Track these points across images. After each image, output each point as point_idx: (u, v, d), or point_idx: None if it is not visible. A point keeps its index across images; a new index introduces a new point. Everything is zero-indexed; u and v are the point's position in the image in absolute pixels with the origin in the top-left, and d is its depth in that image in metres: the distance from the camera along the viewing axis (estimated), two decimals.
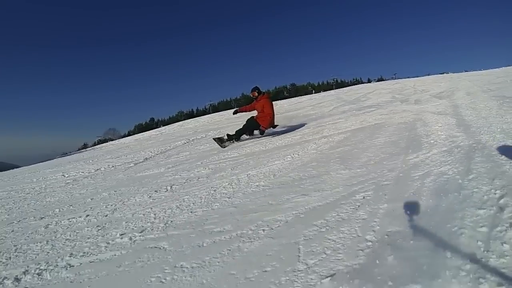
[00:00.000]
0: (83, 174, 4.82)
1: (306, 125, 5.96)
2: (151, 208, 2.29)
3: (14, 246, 2.05)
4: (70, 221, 2.35)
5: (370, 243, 1.20)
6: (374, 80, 43.56)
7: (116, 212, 2.39)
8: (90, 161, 6.92)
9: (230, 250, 1.36)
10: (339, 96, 15.58)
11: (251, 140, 5.01)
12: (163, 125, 28.66)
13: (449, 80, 17.93)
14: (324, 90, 31.51)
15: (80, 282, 1.46)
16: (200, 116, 27.01)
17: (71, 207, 2.76)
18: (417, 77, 34.16)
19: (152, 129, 26.39)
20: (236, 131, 5.27)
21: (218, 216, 1.82)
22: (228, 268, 1.22)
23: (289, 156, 3.10)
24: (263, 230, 1.49)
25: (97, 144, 29.70)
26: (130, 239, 1.80)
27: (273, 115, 5.41)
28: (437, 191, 1.61)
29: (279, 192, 2.02)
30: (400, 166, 2.16)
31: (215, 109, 41.22)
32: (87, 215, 2.41)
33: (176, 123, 22.87)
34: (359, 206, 1.56)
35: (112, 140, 27.73)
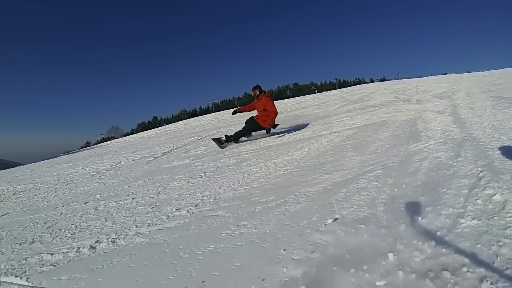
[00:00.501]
0: (104, 167, 5.15)
1: (314, 123, 6.44)
2: (195, 190, 2.68)
3: (72, 224, 2.28)
4: (118, 204, 2.62)
5: (383, 200, 1.70)
6: (377, 80, 44.05)
7: (161, 194, 2.71)
8: (106, 156, 7.38)
9: (280, 211, 1.83)
10: (343, 96, 16.06)
11: (266, 135, 5.38)
12: (166, 124, 29.10)
13: (451, 80, 18.46)
14: (327, 90, 32.08)
15: (158, 243, 1.71)
16: (203, 115, 27.42)
17: (111, 193, 3.06)
18: (420, 77, 34.73)
19: (155, 127, 26.75)
20: (236, 133, 5.35)
21: (260, 191, 2.29)
22: (283, 221, 1.70)
23: (306, 148, 3.60)
24: (302, 197, 1.97)
25: (100, 142, 30.11)
26: (188, 211, 2.13)
27: (277, 113, 5.48)
28: (432, 169, 2.11)
29: (305, 173, 2.52)
30: (402, 153, 2.67)
31: (218, 108, 41.83)
32: (133, 198, 2.71)
33: (179, 122, 23.33)
34: (372, 179, 2.06)
35: (115, 138, 28.05)
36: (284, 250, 1.36)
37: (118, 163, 5.43)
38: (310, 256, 1.28)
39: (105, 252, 1.72)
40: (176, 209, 2.21)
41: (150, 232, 1.90)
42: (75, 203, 2.93)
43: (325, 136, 4.31)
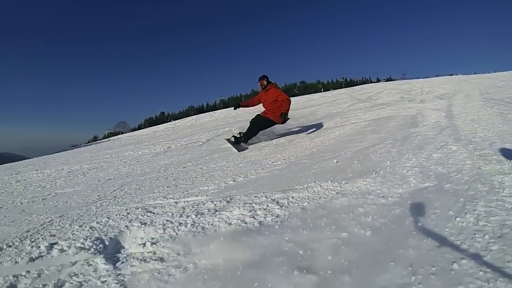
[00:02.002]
0: (156, 151, 6.18)
1: (333, 117, 7.95)
2: (274, 154, 4.00)
3: (194, 176, 3.26)
4: (217, 165, 3.78)
5: (394, 153, 3.21)
6: (383, 79, 45.62)
7: (248, 159, 3.96)
8: (146, 143, 8.84)
9: (338, 158, 3.31)
10: (352, 95, 17.60)
11: (297, 125, 6.84)
12: (174, 120, 30.54)
13: (455, 82, 19.95)
14: (334, 88, 33.70)
15: (275, 175, 2.92)
16: (210, 111, 28.82)
17: (198, 162, 4.32)
18: (426, 78, 36.33)
19: (163, 123, 28.02)
20: (244, 135, 5.22)
21: (321, 152, 3.79)
22: (341, 162, 3.21)
23: (336, 132, 5.13)
24: (349, 152, 3.46)
25: (108, 137, 31.45)
26: (281, 162, 3.44)
27: (290, 100, 5.34)
28: (422, 140, 3.63)
29: (345, 143, 4.04)
30: (405, 133, 4.18)
31: (226, 104, 43.46)
32: (227, 162, 3.93)
33: (188, 117, 24.78)
34: (386, 144, 3.58)
35: (123, 133, 29.42)
36: (349, 170, 2.86)
37: (168, 147, 6.74)
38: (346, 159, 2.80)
39: (247, 181, 2.86)
40: (272, 163, 3.53)
41: (266, 172, 3.12)
42: (162, 170, 3.94)
43: (347, 125, 5.83)
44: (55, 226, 2.13)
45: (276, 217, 1.83)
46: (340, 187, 2.19)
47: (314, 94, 28.20)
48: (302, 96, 26.89)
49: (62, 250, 1.70)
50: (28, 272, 1.53)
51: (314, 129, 5.97)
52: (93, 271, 1.48)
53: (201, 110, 43.62)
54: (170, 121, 27.46)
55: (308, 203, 1.97)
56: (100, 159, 6.24)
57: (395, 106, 8.63)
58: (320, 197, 2.05)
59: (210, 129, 10.23)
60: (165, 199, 2.47)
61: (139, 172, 4.08)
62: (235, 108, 6.25)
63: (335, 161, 3.08)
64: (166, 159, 4.99)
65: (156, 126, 22.44)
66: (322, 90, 37.23)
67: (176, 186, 2.94)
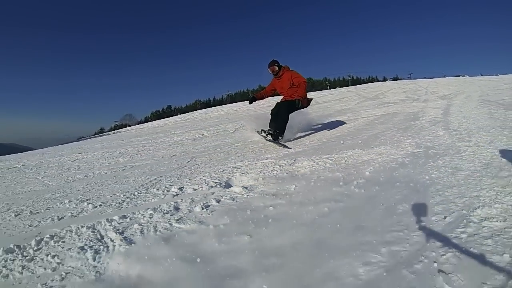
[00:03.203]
0: (191, 138, 7.49)
1: (344, 113, 9.27)
2: (299, 140, 5.53)
3: (249, 151, 5.00)
4: (254, 146, 5.38)
5: (398, 136, 4.53)
6: (390, 78, 46.94)
7: (284, 143, 5.60)
8: (173, 132, 10.17)
9: (359, 137, 4.66)
10: (359, 93, 18.91)
11: (314, 119, 8.19)
12: (181, 113, 31.79)
13: (460, 84, 21.21)
14: (341, 86, 35.07)
15: (313, 148, 4.62)
16: (217, 105, 30.06)
17: (237, 144, 5.75)
18: (433, 78, 37.70)
19: (170, 116, 29.18)
20: (279, 127, 4.95)
21: (343, 135, 5.14)
22: (361, 141, 4.54)
23: (351, 123, 6.48)
24: (364, 136, 4.80)
25: (115, 129, 32.64)
26: (309, 143, 4.97)
27: (306, 82, 5.23)
28: (419, 129, 4.96)
29: (358, 131, 5.37)
30: (407, 125, 5.51)
31: (232, 99, 44.88)
32: (261, 144, 5.49)
33: (197, 111, 26.05)
34: (392, 131, 4.91)
35: (129, 125, 30.65)
36: (368, 144, 4.18)
37: (202, 135, 8.07)
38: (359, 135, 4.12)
39: (298, 151, 4.29)
40: (309, 142, 4.89)
41: (308, 146, 4.44)
42: (226, 147, 5.45)
43: (359, 119, 7.17)
44: (165, 181, 3.25)
45: (331, 165, 3.16)
46: (364, 151, 3.52)
47: (321, 91, 29.51)
48: (309, 92, 28.15)
49: (194, 189, 2.84)
50: (182, 200, 2.56)
51: (330, 121, 7.29)
52: (228, 193, 2.73)
53: (208, 105, 45.10)
54: (177, 115, 28.68)
55: (347, 160, 3.29)
56: (139, 145, 7.48)
57: (400, 105, 9.96)
58: (354, 156, 3.38)
59: (229, 121, 11.54)
60: (243, 162, 3.77)
61: (195, 151, 5.36)
62: (250, 102, 5.79)
63: (359, 141, 4.38)
64: (210, 142, 6.30)
65: (166, 119, 23.64)
66: (329, 87, 38.57)
67: (244, 156, 4.25)
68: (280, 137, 4.93)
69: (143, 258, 1.62)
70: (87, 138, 19.80)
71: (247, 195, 2.51)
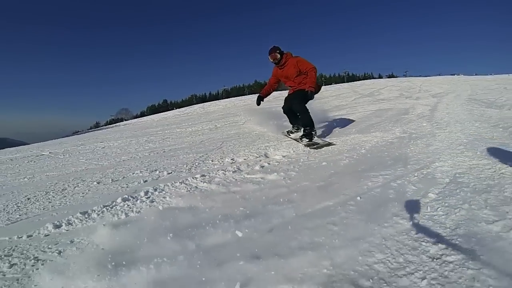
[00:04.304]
0: (208, 128, 8.79)
1: (342, 108, 10.46)
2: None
3: (271, 137, 6.37)
4: (271, 134, 6.68)
5: (390, 126, 5.72)
6: (386, 76, 48.55)
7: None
8: (184, 124, 11.22)
9: (356, 127, 5.83)
10: (355, 90, 20.19)
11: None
12: (177, 108, 32.63)
13: (453, 83, 22.69)
14: (336, 83, 36.41)
15: (357, 120, 5.86)
16: (212, 100, 30.99)
17: (255, 132, 7.04)
18: (428, 76, 39.44)
19: (166, 110, 29.98)
20: (306, 123, 4.77)
21: (357, 119, 6.31)
22: (362, 127, 5.71)
23: (349, 117, 7.65)
24: (363, 125, 5.98)
25: (110, 124, 33.26)
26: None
27: (316, 69, 4.84)
28: (407, 122, 6.17)
29: (356, 123, 6.54)
30: (398, 118, 6.72)
31: (228, 94, 45.96)
32: (281, 132, 6.75)
33: (195, 106, 26.97)
34: (386, 123, 6.10)
35: (125, 119, 31.37)
36: (365, 130, 5.35)
37: (215, 126, 9.18)
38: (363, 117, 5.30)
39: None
40: (326, 127, 6.14)
41: (327, 128, 5.82)
42: (246, 134, 6.77)
43: (356, 114, 8.37)
44: (213, 156, 4.43)
45: (340, 143, 4.32)
46: (363, 135, 4.74)
47: None
48: None
49: (244, 159, 3.96)
50: (240, 164, 3.73)
51: (330, 115, 8.47)
52: (272, 160, 3.86)
53: (203, 99, 46.14)
54: (173, 109, 29.54)
55: (351, 140, 4.48)
56: (157, 134, 8.58)
57: (394, 101, 11.22)
58: (356, 138, 4.57)
59: (234, 115, 12.65)
60: (269, 143, 4.91)
61: (219, 138, 6.47)
62: (258, 103, 5.53)
63: (358, 129, 5.55)
64: (228, 131, 7.42)
65: (164, 113, 24.53)
66: (324, 83, 39.92)
67: (267, 139, 5.41)
68: (313, 133, 4.71)
69: (238, 189, 2.75)
70: (83, 133, 20.46)
71: (289, 159, 3.67)
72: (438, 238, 1.66)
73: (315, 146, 4.30)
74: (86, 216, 2.43)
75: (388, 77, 42.00)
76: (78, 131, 23.02)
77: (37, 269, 1.73)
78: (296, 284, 1.39)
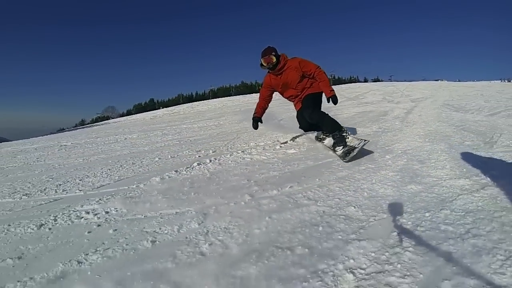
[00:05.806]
0: (213, 124, 10.39)
1: (328, 110, 12.15)
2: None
3: (272, 131, 7.93)
4: (277, 129, 8.26)
5: (369, 124, 7.44)
6: (371, 80, 51.22)
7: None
8: (186, 121, 12.67)
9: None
10: (340, 93, 22.10)
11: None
12: (163, 107, 33.66)
13: (435, 88, 24.99)
14: None
15: (363, 113, 7.49)
16: (199, 100, 32.30)
17: (261, 127, 8.61)
18: (412, 81, 42.22)
19: (153, 109, 30.96)
20: (332, 128, 4.36)
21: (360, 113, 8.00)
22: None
23: (340, 117, 9.36)
24: (347, 126, 7.69)
25: (96, 122, 33.85)
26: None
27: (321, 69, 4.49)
28: (384, 121, 7.95)
29: (342, 122, 8.25)
30: (377, 119, 8.50)
31: (215, 94, 47.26)
32: (286, 127, 8.34)
33: (184, 105, 28.19)
34: (366, 122, 7.84)
35: (111, 118, 32.20)
36: (350, 127, 7.03)
37: (219, 123, 10.69)
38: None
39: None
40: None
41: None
42: (252, 129, 8.34)
43: (343, 114, 10.10)
44: (237, 143, 6.00)
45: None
46: (356, 129, 6.38)
47: None
48: None
49: (264, 143, 5.58)
50: (263, 146, 5.37)
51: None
52: (288, 142, 5.44)
53: (190, 99, 47.33)
54: (160, 108, 30.58)
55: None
56: (166, 129, 10.00)
57: (376, 105, 13.11)
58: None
59: (230, 113, 14.18)
60: (281, 134, 6.49)
61: (231, 131, 8.00)
62: (255, 126, 5.04)
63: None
64: (235, 126, 9.01)
65: (153, 112, 25.60)
66: None
67: (277, 131, 6.97)
68: (345, 134, 4.28)
69: (267, 158, 4.32)
70: (69, 130, 21.30)
71: (296, 142, 5.28)
72: (393, 172, 3.31)
73: (355, 153, 3.79)
74: (178, 171, 3.91)
75: (374, 81, 44.58)
76: (64, 129, 23.67)
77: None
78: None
